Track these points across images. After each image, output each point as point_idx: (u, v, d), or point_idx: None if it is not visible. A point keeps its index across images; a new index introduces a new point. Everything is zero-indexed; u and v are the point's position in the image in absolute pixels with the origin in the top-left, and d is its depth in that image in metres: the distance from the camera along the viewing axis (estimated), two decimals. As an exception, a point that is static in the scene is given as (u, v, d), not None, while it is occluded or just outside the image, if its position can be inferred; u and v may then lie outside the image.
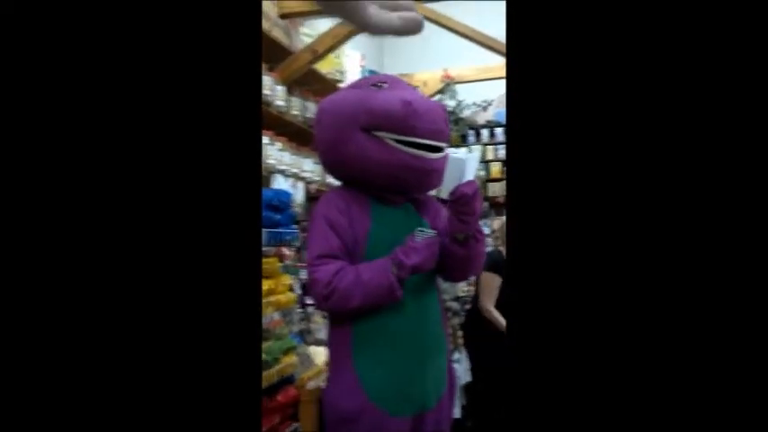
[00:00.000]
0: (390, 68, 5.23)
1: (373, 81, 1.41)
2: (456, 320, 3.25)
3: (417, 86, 4.91)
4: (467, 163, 1.32)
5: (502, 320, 2.62)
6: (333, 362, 1.37)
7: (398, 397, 1.30)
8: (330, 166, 1.44)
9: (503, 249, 2.83)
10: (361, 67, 3.95)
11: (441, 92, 5.13)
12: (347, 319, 1.30)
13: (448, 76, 5.14)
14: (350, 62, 3.70)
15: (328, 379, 1.38)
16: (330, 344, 1.39)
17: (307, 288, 1.34)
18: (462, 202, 1.30)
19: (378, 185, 1.35)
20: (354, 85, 1.46)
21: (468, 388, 3.00)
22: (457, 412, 2.90)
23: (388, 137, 1.29)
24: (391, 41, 5.69)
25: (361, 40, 3.58)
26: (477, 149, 5.63)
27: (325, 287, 1.24)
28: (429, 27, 3.61)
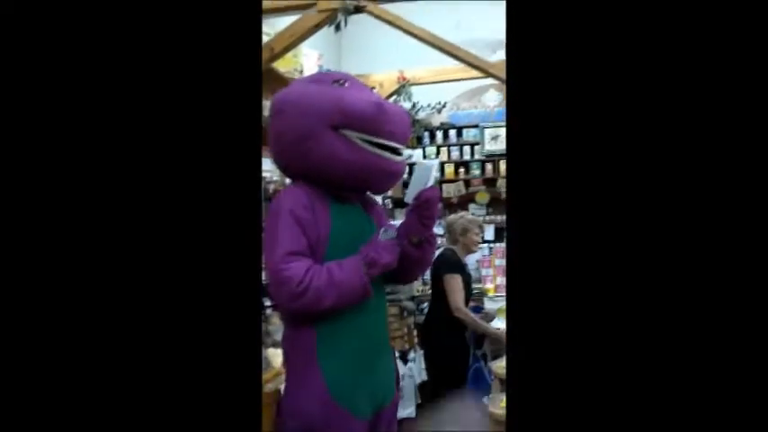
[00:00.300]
0: (347, 68, 5.21)
1: (334, 77, 1.40)
2: (411, 319, 3.30)
3: (374, 87, 4.92)
4: (431, 170, 1.39)
5: (477, 320, 2.68)
6: (294, 365, 1.32)
7: (362, 398, 1.31)
8: (289, 160, 1.39)
9: (454, 248, 2.89)
10: (319, 66, 3.94)
11: (396, 93, 5.15)
12: (310, 319, 1.28)
13: (403, 78, 5.17)
14: (307, 61, 3.68)
15: (288, 384, 1.33)
16: (290, 347, 1.35)
17: (268, 287, 1.29)
18: (426, 206, 1.36)
19: (341, 184, 1.35)
20: (314, 80, 1.44)
21: (423, 387, 3.05)
22: (412, 411, 2.94)
23: (355, 136, 1.30)
24: (349, 41, 5.69)
25: (319, 39, 3.56)
26: (431, 151, 5.70)
27: (298, 285, 1.20)
28: (385, 29, 3.64)
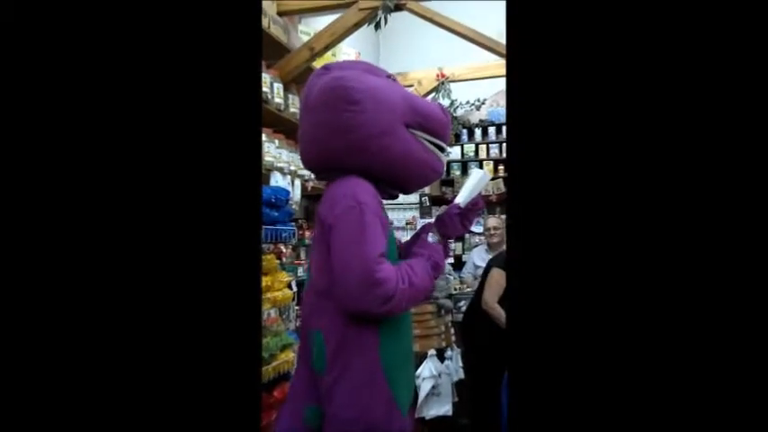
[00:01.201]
0: (386, 66, 5.19)
1: (385, 72, 1.41)
2: (448, 318, 3.28)
3: (411, 84, 4.92)
4: (485, 180, 1.49)
5: (504, 317, 2.62)
6: (356, 365, 1.24)
7: (407, 396, 1.33)
8: (355, 155, 1.27)
9: None
10: (357, 64, 3.95)
11: (435, 90, 5.13)
12: (376, 320, 1.22)
13: (442, 75, 5.14)
14: (346, 60, 3.70)
15: (346, 383, 1.23)
16: (351, 346, 1.24)
17: (343, 286, 1.22)
18: (476, 211, 1.44)
19: (400, 182, 1.37)
20: (370, 71, 1.37)
21: (460, 385, 3.03)
22: (449, 409, 2.93)
23: (422, 136, 1.33)
24: (387, 39, 5.69)
25: (358, 37, 3.58)
26: (469, 148, 5.65)
27: (390, 289, 1.16)
28: (423, 26, 3.63)
